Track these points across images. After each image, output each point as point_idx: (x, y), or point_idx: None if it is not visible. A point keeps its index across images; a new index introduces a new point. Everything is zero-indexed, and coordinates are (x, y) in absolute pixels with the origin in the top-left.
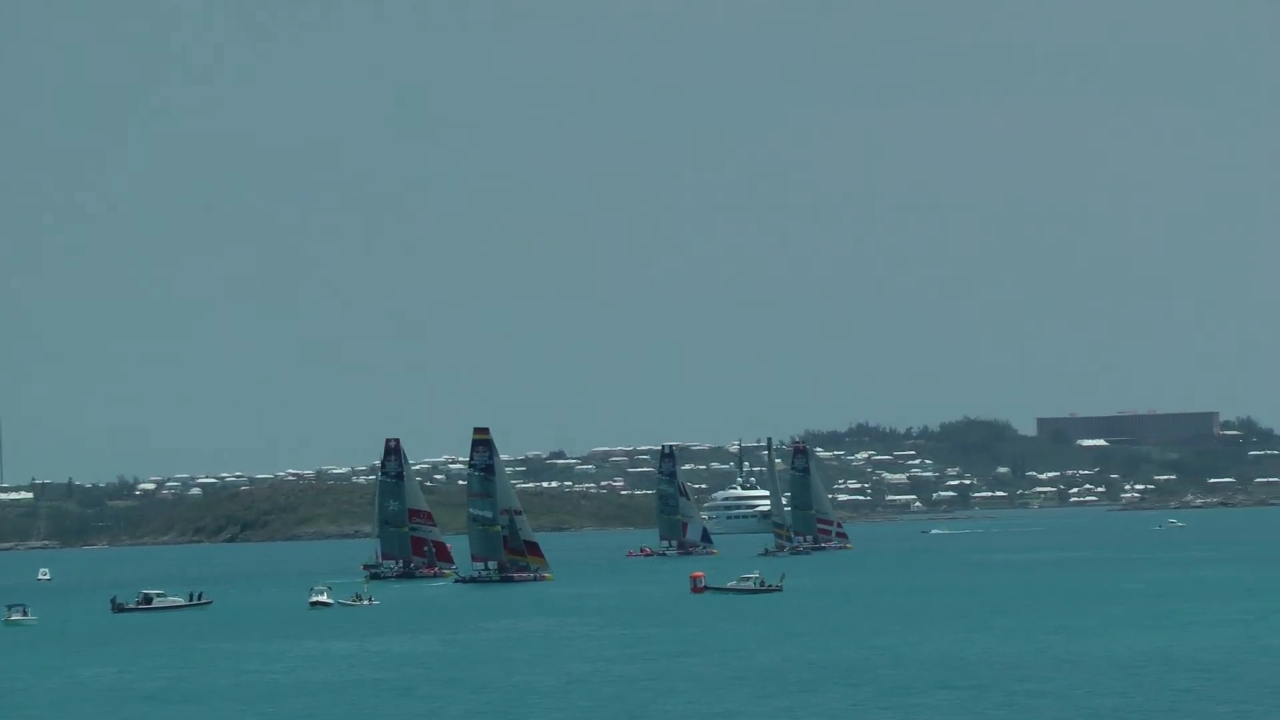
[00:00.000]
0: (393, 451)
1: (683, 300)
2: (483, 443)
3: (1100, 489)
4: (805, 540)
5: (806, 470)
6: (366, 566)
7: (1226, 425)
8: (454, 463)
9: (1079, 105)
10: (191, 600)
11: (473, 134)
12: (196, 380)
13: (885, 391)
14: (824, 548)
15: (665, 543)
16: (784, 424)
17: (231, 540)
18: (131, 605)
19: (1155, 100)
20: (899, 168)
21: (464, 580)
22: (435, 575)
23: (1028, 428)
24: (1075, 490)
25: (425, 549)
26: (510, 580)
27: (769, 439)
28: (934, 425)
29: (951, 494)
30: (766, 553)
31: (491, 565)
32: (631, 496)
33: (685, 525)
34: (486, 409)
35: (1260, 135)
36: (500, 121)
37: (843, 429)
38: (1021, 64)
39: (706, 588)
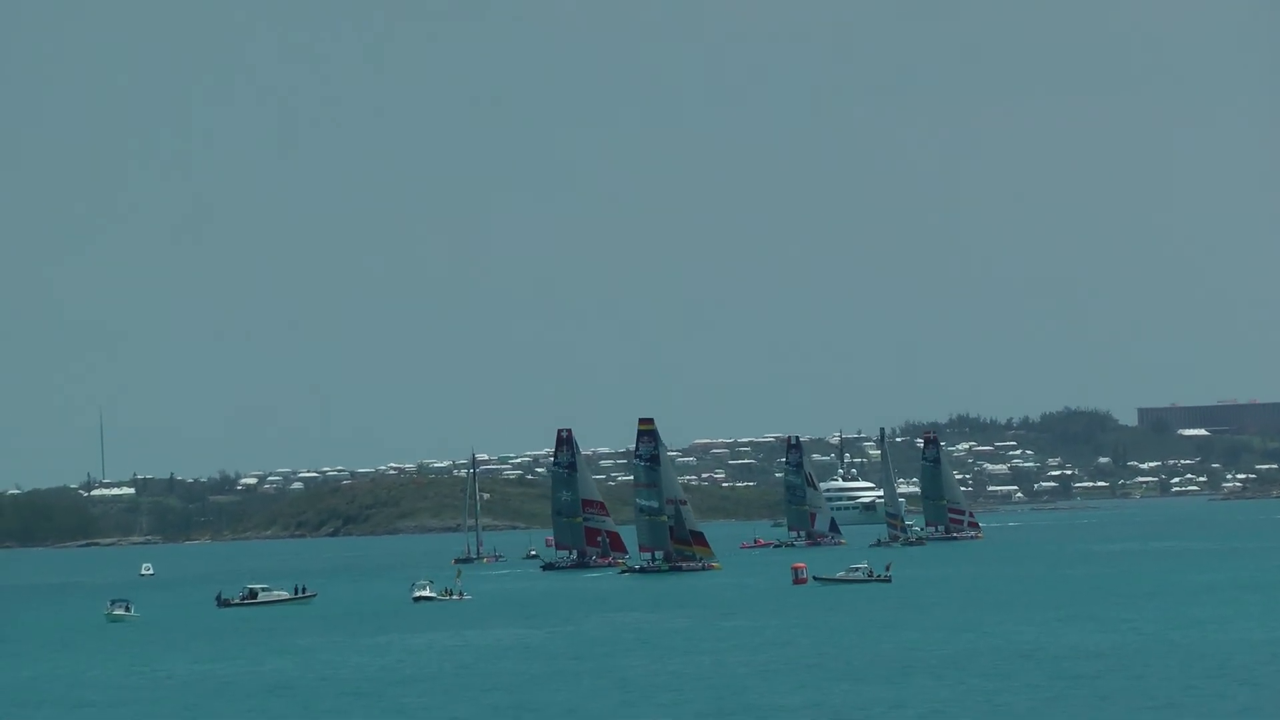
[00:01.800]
0: (565, 442)
1: (779, 294)
2: (648, 433)
3: (1201, 479)
4: (936, 530)
5: (938, 460)
6: (458, 560)
7: None
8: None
9: (1163, 96)
10: (296, 594)
11: (572, 132)
12: (299, 374)
13: (986, 382)
14: (956, 538)
15: (794, 533)
16: (884, 415)
17: (333, 535)
18: (236, 600)
19: (1231, 81)
20: (998, 164)
21: (631, 570)
22: (610, 565)
23: (1128, 417)
24: (1176, 480)
25: (599, 539)
26: (678, 570)
27: (881, 429)
28: (1034, 416)
29: (1053, 484)
30: (880, 543)
31: (658, 555)
32: (733, 488)
33: (813, 515)
34: (575, 406)
35: None
36: (607, 118)
37: (943, 420)
38: (1124, 52)
39: (813, 578)
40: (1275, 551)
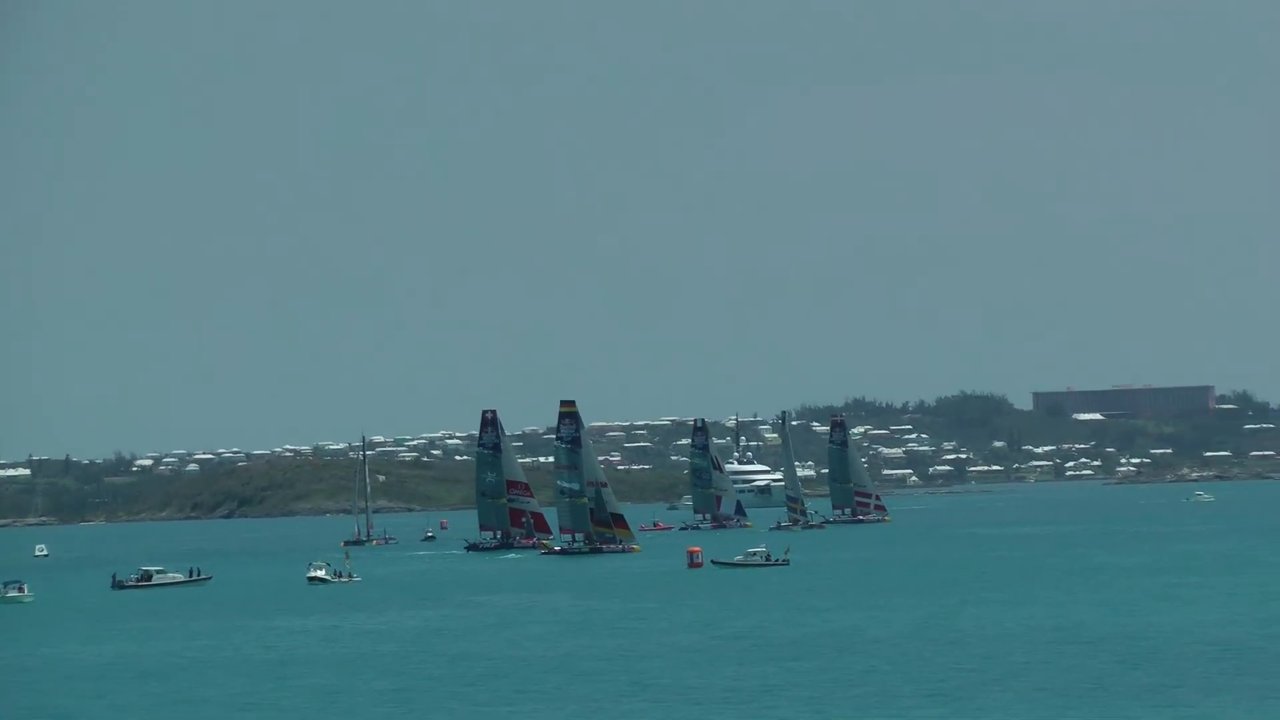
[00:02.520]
0: (489, 423)
1: (676, 278)
2: (569, 415)
3: (1096, 463)
4: (843, 513)
5: (845, 443)
6: (347, 543)
7: (1222, 399)
8: (450, 439)
9: (1071, 82)
10: (191, 577)
11: (455, 119)
12: (193, 356)
13: (881, 366)
14: (862, 520)
15: (699, 516)
16: (780, 399)
17: (228, 516)
18: (131, 582)
19: (1148, 76)
20: (896, 145)
21: (552, 552)
22: (534, 546)
23: (1024, 402)
24: (1071, 464)
25: (524, 520)
26: (599, 551)
27: (783, 413)
28: (930, 400)
29: (948, 468)
30: (780, 527)
31: (579, 537)
32: (629, 472)
33: (719, 498)
34: (483, 386)
35: (1251, 111)
36: (481, 105)
37: (839, 403)
38: (1015, 40)
39: (710, 561)
40: (1176, 536)
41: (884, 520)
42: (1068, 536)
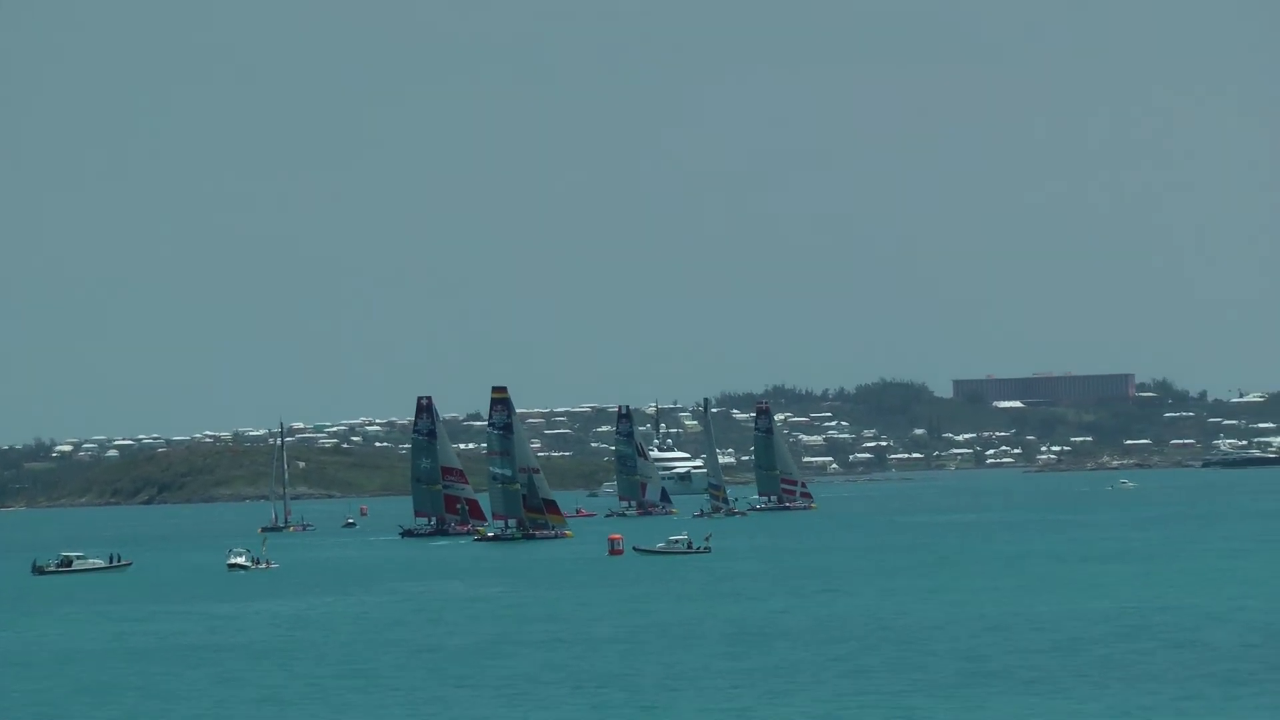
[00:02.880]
0: (424, 409)
1: (594, 263)
2: (501, 401)
3: (1016, 450)
4: (769, 500)
5: (770, 430)
6: (264, 529)
7: (1142, 387)
8: (370, 425)
9: (994, 68)
10: (111, 563)
11: (380, 98)
12: (113, 341)
13: (802, 354)
14: (788, 507)
15: (625, 503)
16: (700, 386)
17: (149, 502)
18: (51, 567)
19: (1078, 55)
20: (812, 127)
21: (485, 538)
22: (469, 533)
23: (944, 389)
24: (991, 452)
25: (458, 507)
26: (531, 537)
27: (706, 400)
28: (850, 387)
29: (868, 456)
30: (702, 514)
31: (512, 524)
32: (549, 459)
33: (644, 485)
34: (403, 373)
35: (1173, 97)
36: (429, 78)
37: (759, 390)
38: (923, 27)
39: (632, 549)
40: (1106, 524)
41: (810, 508)
42: (1007, 524)
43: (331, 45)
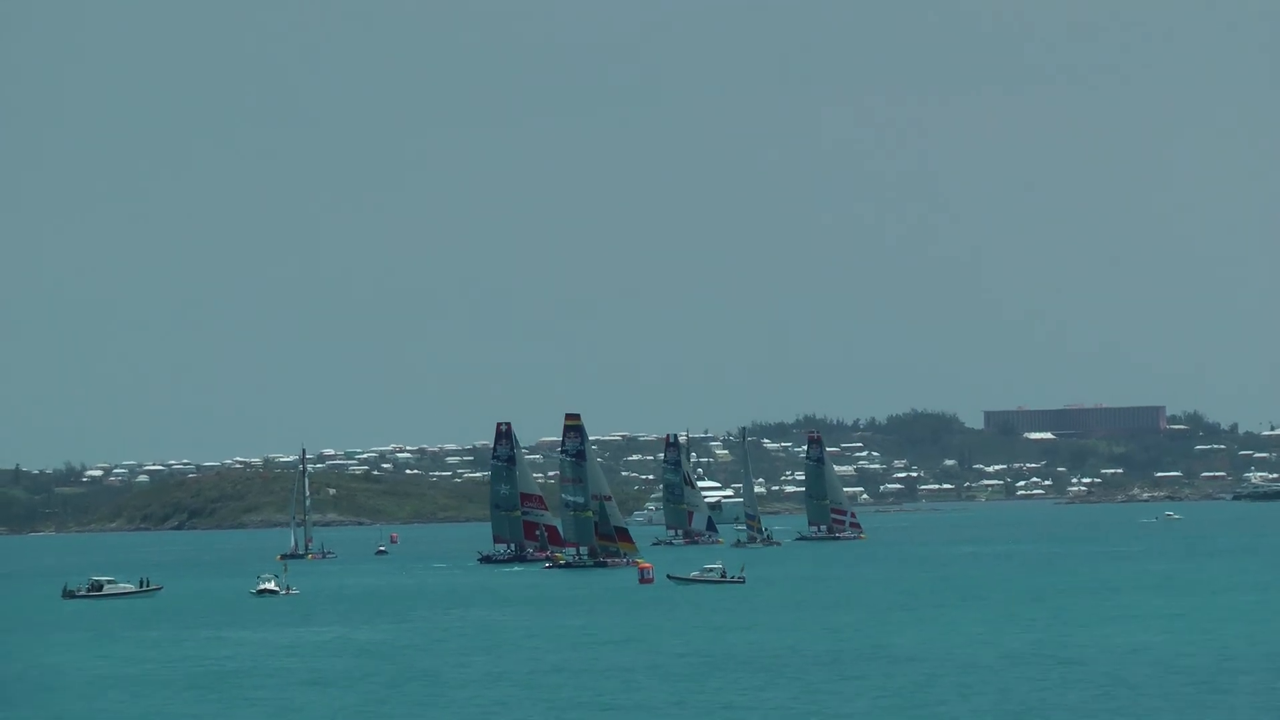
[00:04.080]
0: (504, 435)
1: (626, 295)
2: (574, 428)
3: (1047, 482)
4: (819, 530)
5: (821, 460)
6: (284, 556)
7: (1173, 419)
8: (400, 452)
9: (1034, 97)
10: (141, 587)
11: (445, 130)
12: (145, 366)
13: (833, 383)
14: (838, 537)
15: (671, 531)
16: (730, 416)
17: (179, 528)
18: (82, 592)
19: (1116, 93)
20: (851, 162)
21: (556, 565)
22: (547, 558)
23: (975, 420)
24: (1022, 483)
25: (537, 533)
26: (603, 565)
27: (743, 429)
28: (881, 418)
29: (899, 486)
30: (739, 544)
31: (583, 551)
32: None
33: (691, 514)
34: (429, 401)
35: (1208, 133)
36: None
37: (790, 420)
38: (977, 52)
39: (667, 577)
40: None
41: (860, 538)
42: (1061, 556)
43: (385, 73)
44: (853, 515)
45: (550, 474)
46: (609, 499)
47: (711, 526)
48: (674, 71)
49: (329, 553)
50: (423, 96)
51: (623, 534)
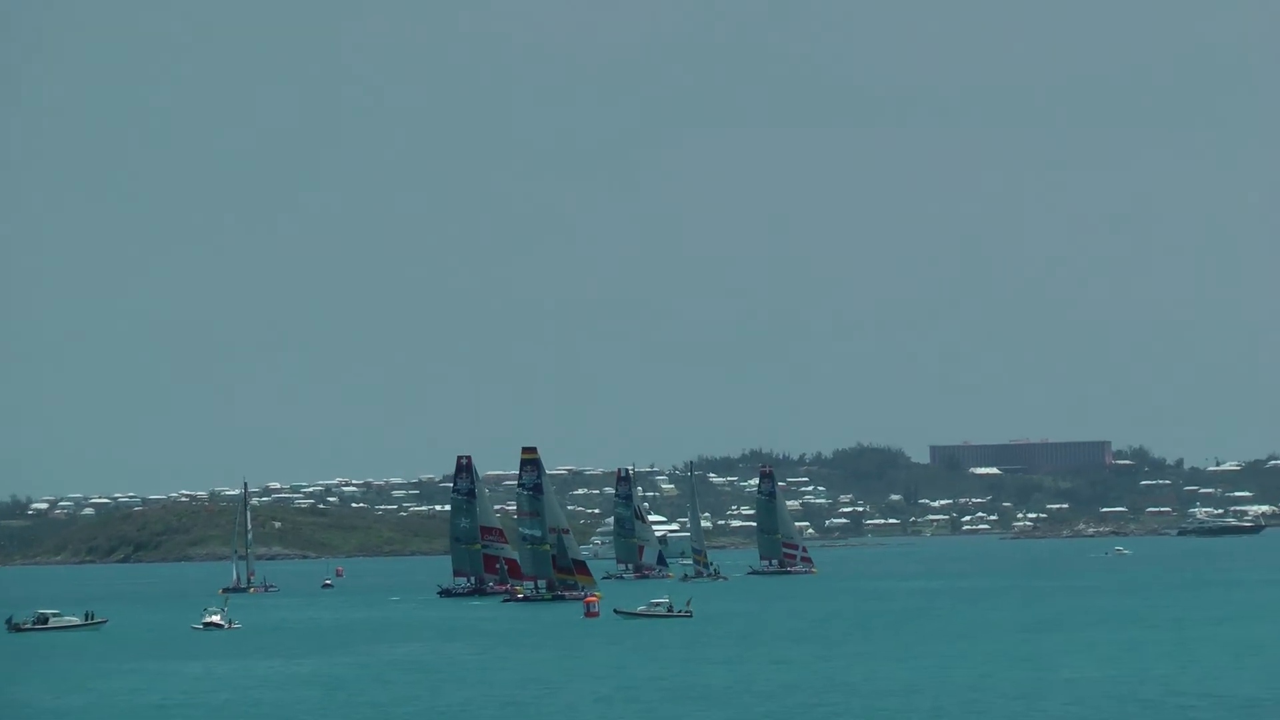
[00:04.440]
0: (464, 469)
1: (569, 327)
2: (531, 462)
3: (993, 517)
4: (770, 564)
5: (773, 494)
6: (226, 590)
7: (1119, 454)
8: (346, 486)
9: (967, 133)
10: (87, 620)
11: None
12: (91, 400)
13: (778, 418)
14: (790, 571)
15: (622, 566)
16: (676, 450)
17: (124, 561)
18: (28, 625)
19: (1046, 126)
20: (794, 196)
21: (514, 599)
22: (506, 592)
23: (921, 455)
24: (967, 518)
25: (497, 566)
26: (561, 598)
27: (690, 464)
28: (827, 452)
29: (844, 521)
30: (686, 578)
31: (541, 584)
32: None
33: (641, 548)
34: (379, 434)
35: (1146, 167)
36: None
37: (736, 455)
38: (893, 97)
39: (614, 611)
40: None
41: (811, 572)
42: (1030, 591)
43: (348, 106)
44: (804, 550)
45: (497, 507)
46: (567, 532)
47: (662, 561)
48: (628, 117)
49: (271, 586)
50: (375, 131)
51: (581, 567)
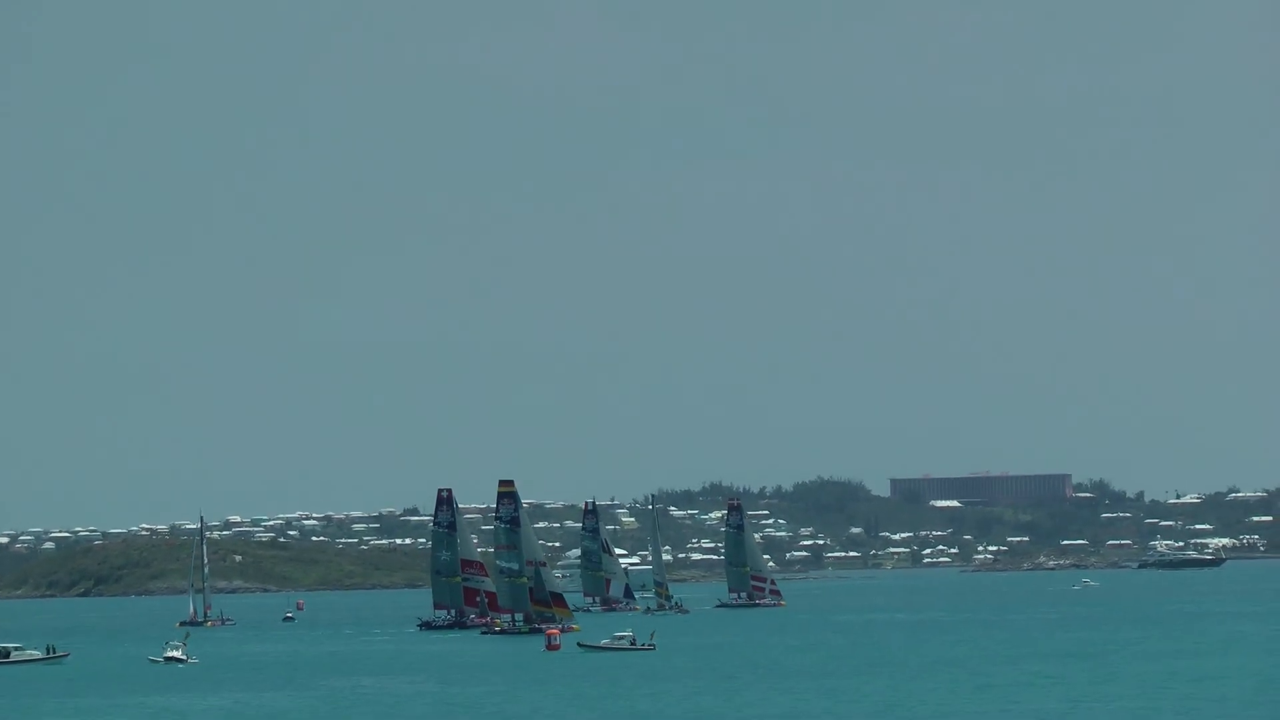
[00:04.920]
0: (444, 502)
1: (528, 359)
2: (508, 495)
3: (953, 550)
4: (739, 597)
5: (741, 527)
6: (183, 624)
7: (1079, 487)
8: (307, 519)
9: (918, 166)
10: (48, 654)
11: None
12: (50, 434)
13: (738, 451)
14: (759, 604)
15: (589, 599)
16: (636, 483)
17: (85, 595)
18: None
19: (995, 161)
20: (751, 229)
21: (492, 632)
22: (485, 624)
23: (881, 488)
24: (928, 551)
25: (478, 599)
26: (538, 631)
27: (651, 496)
28: (787, 485)
29: (805, 554)
30: (649, 611)
31: (519, 617)
32: (487, 553)
33: (609, 581)
34: (335, 469)
35: (1100, 200)
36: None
37: (696, 488)
38: (851, 126)
39: (578, 645)
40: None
41: (779, 604)
42: (1006, 624)
43: (338, 140)
44: (772, 582)
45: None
46: (543, 564)
47: (629, 594)
48: (595, 152)
49: (228, 619)
50: (342, 160)
51: (558, 599)
